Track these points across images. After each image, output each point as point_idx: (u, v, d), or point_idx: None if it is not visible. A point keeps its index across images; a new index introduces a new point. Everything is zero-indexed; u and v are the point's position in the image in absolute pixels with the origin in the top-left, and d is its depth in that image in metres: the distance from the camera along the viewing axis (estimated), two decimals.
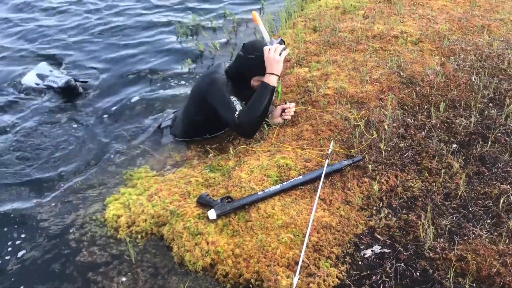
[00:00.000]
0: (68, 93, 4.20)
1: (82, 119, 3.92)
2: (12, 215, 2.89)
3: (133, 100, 4.16)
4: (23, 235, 2.74)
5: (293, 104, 3.30)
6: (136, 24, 5.85)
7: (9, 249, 2.65)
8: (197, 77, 4.41)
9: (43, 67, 4.52)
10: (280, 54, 2.93)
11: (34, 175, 3.24)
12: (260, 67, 2.96)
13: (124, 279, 2.37)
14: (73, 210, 2.88)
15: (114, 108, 4.08)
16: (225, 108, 2.92)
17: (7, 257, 2.59)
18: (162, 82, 4.45)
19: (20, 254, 2.61)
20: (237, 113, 2.87)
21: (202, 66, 4.72)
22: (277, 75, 2.95)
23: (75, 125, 3.83)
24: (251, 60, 2.98)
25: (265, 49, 2.95)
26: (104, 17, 6.11)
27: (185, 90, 4.23)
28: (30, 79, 4.37)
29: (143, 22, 5.89)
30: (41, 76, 4.36)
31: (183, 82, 4.43)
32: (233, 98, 2.94)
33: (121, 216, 2.72)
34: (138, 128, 3.69)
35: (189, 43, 5.15)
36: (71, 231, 2.71)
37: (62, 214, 2.86)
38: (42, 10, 6.44)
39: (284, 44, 3.02)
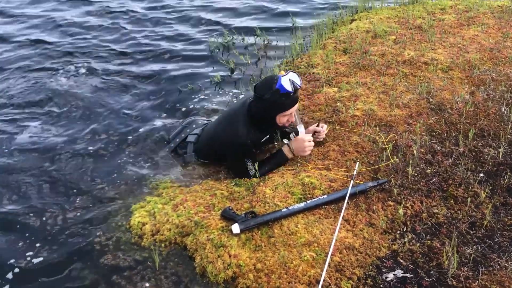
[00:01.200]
0: None
1: (111, 127, 4.01)
2: (40, 217, 2.97)
3: (161, 109, 4.25)
4: (49, 237, 2.81)
5: (325, 126, 3.29)
6: (170, 35, 5.99)
7: (36, 250, 2.72)
8: (222, 96, 4.47)
9: None
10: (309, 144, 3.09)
11: (63, 180, 3.33)
12: (278, 103, 2.89)
13: (147, 284, 2.42)
14: (99, 215, 2.95)
15: (141, 116, 4.16)
16: (238, 172, 3.09)
17: (33, 259, 2.66)
18: (190, 95, 4.52)
19: (45, 254, 2.69)
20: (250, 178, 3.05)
21: (231, 81, 4.79)
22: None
23: (104, 133, 3.92)
24: (267, 101, 2.89)
25: (314, 129, 3.22)
26: (139, 28, 6.28)
27: (212, 105, 4.30)
28: None
29: (177, 35, 6.03)
30: None
31: (211, 96, 4.50)
32: (248, 162, 3.03)
33: (146, 223, 2.77)
34: (163, 137, 3.75)
35: (220, 59, 5.24)
36: (97, 234, 2.78)
37: (88, 219, 2.94)
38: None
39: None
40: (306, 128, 3.26)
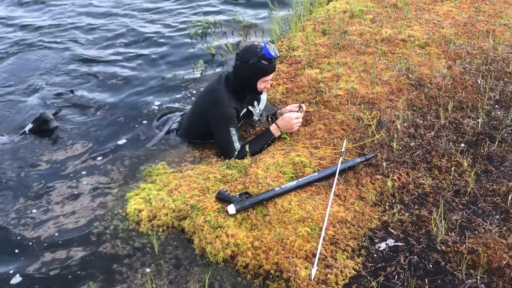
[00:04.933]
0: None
1: (99, 118, 4.01)
2: (35, 210, 2.98)
3: (146, 99, 4.25)
4: (46, 230, 2.82)
5: (303, 106, 3.40)
6: (147, 25, 5.96)
7: (32, 243, 2.73)
8: (206, 81, 4.51)
9: None
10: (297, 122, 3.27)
11: (56, 172, 3.33)
12: (261, 69, 3.13)
13: (148, 270, 2.47)
14: (94, 205, 2.98)
15: (129, 106, 4.16)
16: (224, 143, 3.19)
17: (31, 252, 2.68)
18: (174, 83, 4.54)
19: (44, 245, 2.70)
20: (236, 153, 3.15)
21: (213, 67, 4.82)
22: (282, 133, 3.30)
23: (94, 124, 3.92)
24: (250, 65, 3.12)
25: (292, 112, 3.29)
26: (115, 17, 6.22)
27: (196, 91, 4.33)
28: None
29: (154, 23, 6.00)
30: None
31: (194, 83, 4.52)
32: (232, 131, 3.15)
33: (143, 210, 2.81)
34: (151, 128, 3.77)
35: (200, 45, 5.25)
36: (94, 224, 2.81)
37: (84, 209, 2.96)
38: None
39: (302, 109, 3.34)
40: (279, 109, 3.56)
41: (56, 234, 2.79)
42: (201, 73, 4.70)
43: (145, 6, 6.59)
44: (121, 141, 3.63)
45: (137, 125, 3.84)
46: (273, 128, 3.28)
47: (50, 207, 3.01)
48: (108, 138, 3.71)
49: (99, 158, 3.45)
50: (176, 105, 4.12)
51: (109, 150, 3.53)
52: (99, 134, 3.77)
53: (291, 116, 3.24)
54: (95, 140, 3.69)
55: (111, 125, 3.89)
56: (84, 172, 3.30)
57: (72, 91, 4.38)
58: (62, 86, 4.53)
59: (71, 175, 3.29)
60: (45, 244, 2.71)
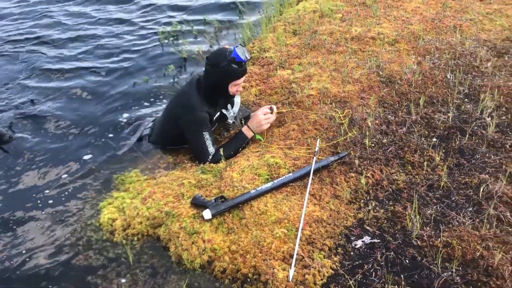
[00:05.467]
0: None
1: (69, 127, 3.92)
2: (6, 223, 2.90)
3: (116, 105, 4.19)
4: (17, 241, 2.75)
5: (274, 107, 3.39)
6: (116, 30, 5.88)
7: (4, 256, 2.65)
8: (178, 86, 4.46)
9: None
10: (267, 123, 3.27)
11: (25, 183, 3.25)
12: (231, 73, 3.12)
13: (123, 280, 2.42)
14: (66, 216, 2.91)
15: (97, 113, 4.10)
16: (198, 148, 3.16)
17: (3, 264, 2.60)
18: (145, 90, 4.47)
19: (16, 259, 2.62)
20: (210, 157, 3.13)
21: (185, 72, 4.79)
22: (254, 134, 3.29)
23: (61, 133, 3.83)
24: (220, 69, 3.10)
25: (262, 109, 3.30)
26: (82, 23, 6.12)
27: (168, 97, 4.28)
28: None
29: (124, 28, 5.93)
30: None
31: (166, 89, 4.47)
32: (206, 136, 3.13)
33: (116, 219, 2.76)
34: (121, 135, 3.71)
35: (171, 49, 5.20)
36: (66, 236, 2.74)
37: (55, 220, 2.89)
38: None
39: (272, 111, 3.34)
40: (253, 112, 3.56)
41: (27, 247, 2.70)
42: (173, 78, 4.65)
43: (110, 17, 6.48)
44: (91, 151, 3.56)
45: (106, 133, 3.77)
46: (245, 129, 3.26)
47: (18, 219, 2.93)
48: (77, 148, 3.63)
49: (69, 168, 3.37)
50: (148, 111, 4.07)
51: (80, 160, 3.45)
52: (67, 145, 3.68)
53: (259, 114, 3.25)
54: (63, 150, 3.61)
55: (80, 135, 3.81)
56: (53, 183, 3.22)
57: (32, 101, 4.27)
58: (23, 97, 4.41)
59: (40, 186, 3.21)
60: (15, 259, 2.63)
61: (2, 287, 2.47)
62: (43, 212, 2.98)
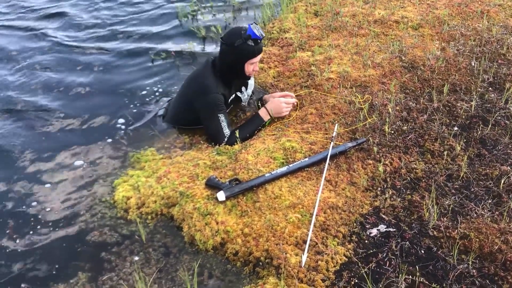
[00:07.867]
0: None
1: (85, 102, 3.93)
2: (21, 198, 2.93)
3: (135, 83, 4.16)
4: (32, 218, 2.77)
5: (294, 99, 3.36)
6: (134, 8, 5.83)
7: (21, 231, 2.69)
8: (195, 64, 4.42)
9: None
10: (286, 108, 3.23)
11: (41, 159, 3.26)
12: (247, 51, 3.05)
13: (136, 258, 2.43)
14: (82, 193, 2.92)
15: (116, 89, 4.08)
16: (213, 130, 3.11)
17: (19, 239, 2.63)
18: (163, 65, 4.45)
19: (31, 234, 2.65)
20: (225, 139, 3.08)
21: (204, 50, 4.73)
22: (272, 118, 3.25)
23: (77, 109, 3.84)
24: (236, 48, 3.03)
25: (282, 95, 3.30)
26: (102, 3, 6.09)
27: (185, 74, 4.24)
28: None
29: (143, 5, 5.88)
30: None
31: (184, 66, 4.43)
32: (221, 118, 3.08)
33: (131, 197, 2.76)
34: (139, 112, 3.70)
35: (190, 27, 5.15)
36: (81, 213, 2.76)
37: (71, 197, 2.90)
38: None
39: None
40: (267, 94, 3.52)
41: (42, 222, 2.73)
42: (191, 55, 4.60)
43: None
44: (109, 125, 3.56)
45: (123, 109, 3.76)
46: (262, 112, 3.22)
47: (35, 194, 2.95)
48: (92, 121, 3.63)
49: (86, 145, 3.37)
50: (166, 89, 4.04)
51: (96, 137, 3.44)
52: (84, 120, 3.69)
53: (281, 100, 3.20)
54: (83, 125, 3.61)
55: (97, 109, 3.80)
56: (70, 161, 3.23)
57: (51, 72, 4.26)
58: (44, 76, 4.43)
59: (58, 163, 3.22)
60: (31, 232, 2.66)
61: (17, 262, 2.50)
62: (58, 186, 3.00)
